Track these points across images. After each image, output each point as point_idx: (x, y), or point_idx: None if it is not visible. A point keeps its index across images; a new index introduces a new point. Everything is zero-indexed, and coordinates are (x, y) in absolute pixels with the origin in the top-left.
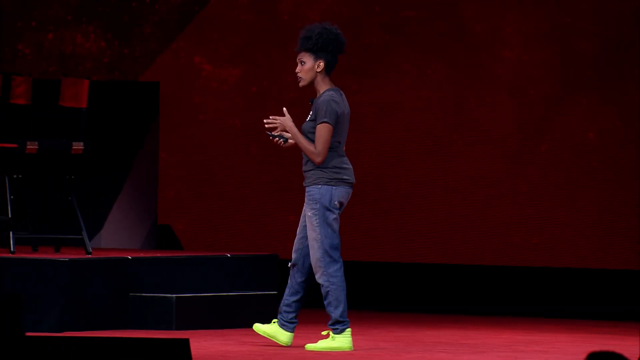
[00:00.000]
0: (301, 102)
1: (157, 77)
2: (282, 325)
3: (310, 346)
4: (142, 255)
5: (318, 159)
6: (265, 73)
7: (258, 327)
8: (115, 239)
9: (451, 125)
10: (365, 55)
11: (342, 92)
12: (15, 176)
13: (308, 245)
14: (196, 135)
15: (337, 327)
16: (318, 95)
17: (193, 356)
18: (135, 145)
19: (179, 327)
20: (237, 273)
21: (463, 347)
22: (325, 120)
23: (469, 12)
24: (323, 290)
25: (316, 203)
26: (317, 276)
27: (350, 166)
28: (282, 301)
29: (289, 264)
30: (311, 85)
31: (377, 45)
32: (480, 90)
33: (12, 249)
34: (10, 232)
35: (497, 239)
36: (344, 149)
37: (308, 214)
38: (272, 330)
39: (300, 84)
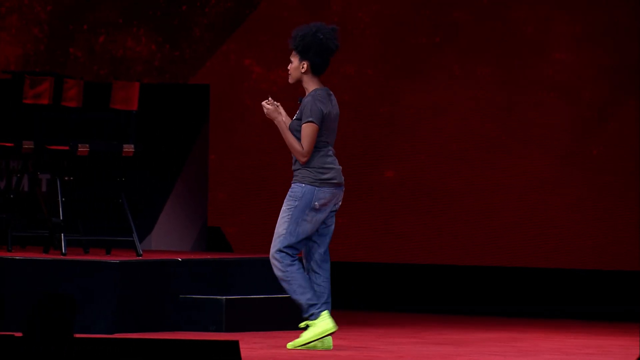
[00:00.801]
0: (351, 104)
1: (207, 80)
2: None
3: (292, 344)
4: (192, 257)
5: (303, 159)
6: None
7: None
8: (166, 241)
9: (501, 126)
10: (415, 57)
11: (331, 92)
12: (66, 178)
13: (314, 243)
14: (246, 137)
15: (312, 311)
16: (306, 95)
17: (243, 358)
18: (186, 148)
19: (229, 329)
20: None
21: (513, 350)
22: (310, 119)
23: (520, 13)
24: (282, 284)
25: (295, 200)
26: (273, 268)
27: (337, 166)
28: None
29: (305, 271)
30: (300, 83)
31: (426, 47)
32: (530, 92)
33: (63, 251)
34: (62, 234)
35: (552, 240)
36: (333, 148)
37: (284, 207)
38: (321, 328)
39: (289, 81)
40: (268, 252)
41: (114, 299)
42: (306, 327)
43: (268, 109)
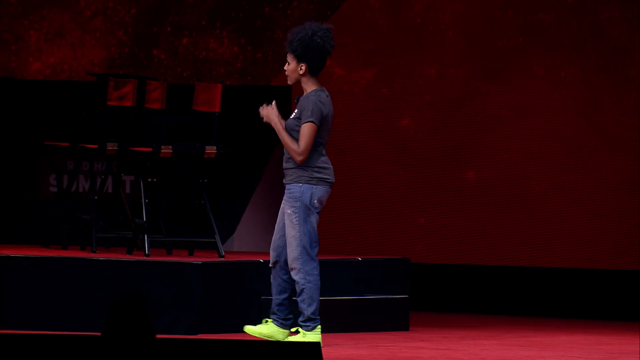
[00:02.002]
0: (433, 104)
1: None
2: (280, 325)
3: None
4: None
5: (300, 158)
6: (397, 75)
7: (250, 328)
8: (248, 242)
9: (585, 127)
10: (499, 58)
11: (327, 93)
12: (150, 180)
13: (284, 243)
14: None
15: (309, 324)
16: (305, 95)
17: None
18: (268, 149)
19: None
20: (368, 276)
21: (598, 353)
22: (311, 119)
23: (604, 14)
24: (298, 288)
25: (297, 201)
26: (293, 273)
27: (331, 166)
28: (273, 301)
29: (270, 264)
30: (299, 83)
31: (509, 48)
32: (614, 93)
33: (146, 252)
34: (145, 235)
35: (635, 244)
36: (325, 149)
37: (287, 211)
38: (269, 331)
39: (289, 82)
40: (349, 252)
41: (196, 300)
42: (297, 331)
43: (267, 112)
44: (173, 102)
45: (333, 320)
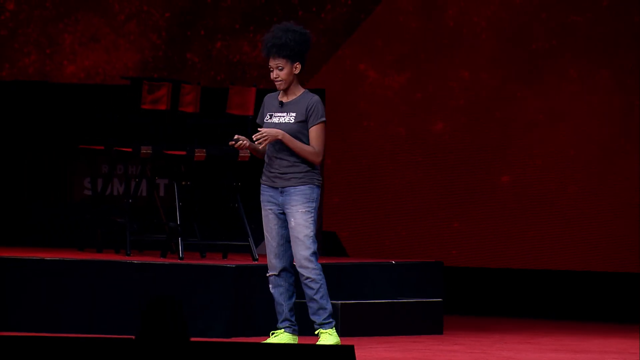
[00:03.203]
0: (466, 108)
1: (322, 85)
2: (292, 332)
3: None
4: None
5: (319, 159)
6: (430, 79)
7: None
8: None
9: (619, 131)
10: (532, 61)
11: None
12: (183, 183)
13: (287, 248)
14: (361, 141)
15: (331, 320)
16: (298, 96)
17: None
18: None
19: (344, 334)
20: (402, 280)
21: (633, 357)
22: (323, 120)
23: (639, 16)
24: (314, 285)
25: (312, 202)
26: (305, 271)
27: None
28: (284, 308)
29: (270, 273)
30: (289, 87)
31: (543, 51)
32: None
33: (181, 255)
34: (179, 239)
35: None
36: None
37: (301, 210)
38: (285, 342)
39: (282, 87)
40: (383, 256)
41: (230, 303)
42: (318, 334)
43: (269, 131)
44: (207, 105)
45: (367, 323)
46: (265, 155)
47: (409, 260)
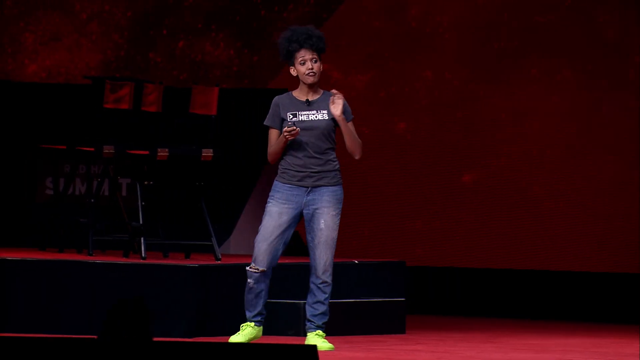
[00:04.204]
0: (429, 108)
1: (285, 85)
2: (260, 324)
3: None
4: None
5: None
6: (394, 79)
7: (235, 338)
8: (244, 245)
9: (581, 131)
10: (495, 61)
11: None
12: (146, 183)
13: (280, 248)
14: None
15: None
16: (322, 95)
17: None
18: (264, 152)
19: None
20: (365, 280)
21: (594, 356)
22: (353, 117)
23: (601, 17)
24: (328, 290)
25: (341, 203)
26: (327, 276)
27: None
28: (262, 302)
29: (257, 268)
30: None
31: (506, 51)
32: (611, 96)
33: (143, 255)
34: (142, 239)
35: (633, 246)
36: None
37: (332, 213)
38: (255, 334)
39: (313, 81)
40: (346, 255)
41: (193, 303)
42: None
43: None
44: (170, 105)
45: (330, 323)
46: (289, 155)
47: (372, 260)
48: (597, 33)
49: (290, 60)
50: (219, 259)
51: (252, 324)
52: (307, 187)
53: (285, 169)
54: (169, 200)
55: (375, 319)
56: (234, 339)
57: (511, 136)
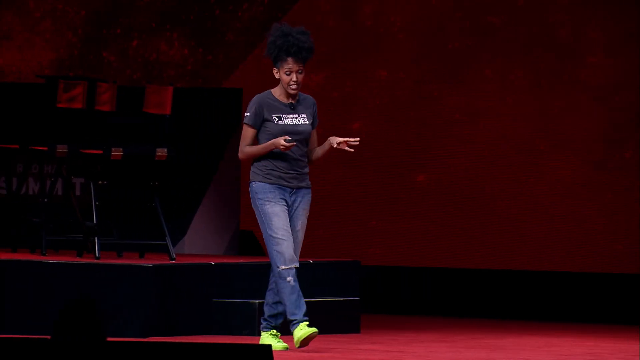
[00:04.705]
0: (383, 107)
1: (240, 84)
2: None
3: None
4: (225, 261)
5: None
6: (348, 78)
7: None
8: (199, 245)
9: (535, 131)
10: (448, 61)
11: None
12: (100, 182)
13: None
14: None
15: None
16: (300, 97)
17: None
18: (218, 152)
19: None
20: (319, 279)
21: (547, 355)
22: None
23: (554, 17)
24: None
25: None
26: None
27: None
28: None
29: (292, 266)
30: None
31: (459, 51)
32: (564, 96)
33: (97, 255)
34: (96, 238)
35: (585, 246)
36: None
37: (307, 215)
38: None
39: (295, 92)
40: (301, 256)
41: (147, 303)
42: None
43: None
44: (123, 104)
45: (285, 322)
46: (272, 157)
47: (327, 259)
48: (549, 33)
49: (276, 63)
50: (174, 259)
51: (306, 322)
52: (292, 189)
53: (270, 169)
54: (123, 199)
55: (331, 318)
56: (302, 342)
57: (465, 136)
